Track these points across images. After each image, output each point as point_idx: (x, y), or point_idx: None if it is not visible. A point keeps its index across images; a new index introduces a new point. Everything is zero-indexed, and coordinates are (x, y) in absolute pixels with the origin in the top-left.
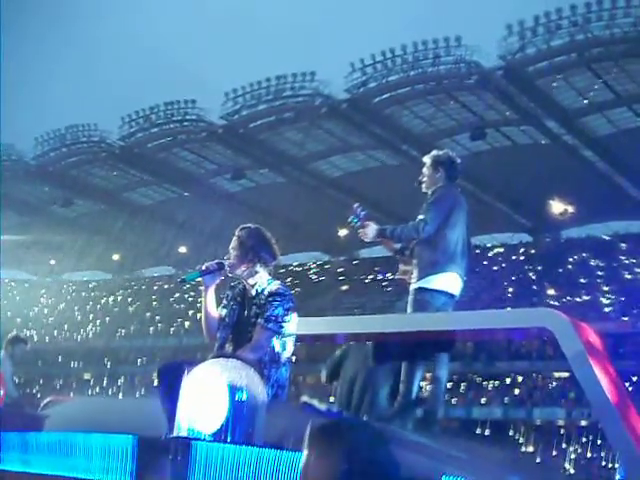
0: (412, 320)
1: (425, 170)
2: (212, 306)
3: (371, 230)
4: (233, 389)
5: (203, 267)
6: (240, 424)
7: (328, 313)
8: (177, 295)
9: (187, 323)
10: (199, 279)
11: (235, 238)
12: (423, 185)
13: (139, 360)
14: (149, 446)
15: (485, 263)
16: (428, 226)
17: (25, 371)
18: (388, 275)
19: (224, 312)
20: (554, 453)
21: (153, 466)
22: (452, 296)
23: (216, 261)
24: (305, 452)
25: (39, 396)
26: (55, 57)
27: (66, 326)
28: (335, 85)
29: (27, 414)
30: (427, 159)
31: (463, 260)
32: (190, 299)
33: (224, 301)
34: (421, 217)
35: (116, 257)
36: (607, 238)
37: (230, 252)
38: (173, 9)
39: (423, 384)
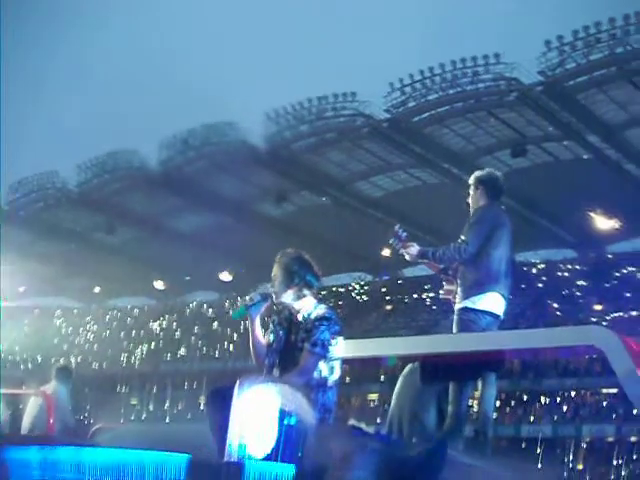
0: (459, 340)
1: (470, 190)
2: (259, 333)
3: (413, 252)
4: (282, 413)
5: (247, 300)
6: (289, 448)
7: (373, 333)
8: (221, 319)
9: (231, 347)
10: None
11: (277, 265)
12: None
13: (185, 384)
14: (202, 468)
15: (529, 280)
16: (469, 247)
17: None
18: (432, 294)
19: (271, 337)
20: (604, 470)
21: None
22: (497, 316)
23: (259, 292)
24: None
25: (87, 422)
26: (94, 86)
27: (111, 352)
28: (375, 105)
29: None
30: (470, 179)
31: (507, 279)
32: (234, 323)
33: (270, 326)
34: (462, 238)
35: (159, 283)
36: None
37: (273, 280)
38: (207, 31)
39: (471, 403)
